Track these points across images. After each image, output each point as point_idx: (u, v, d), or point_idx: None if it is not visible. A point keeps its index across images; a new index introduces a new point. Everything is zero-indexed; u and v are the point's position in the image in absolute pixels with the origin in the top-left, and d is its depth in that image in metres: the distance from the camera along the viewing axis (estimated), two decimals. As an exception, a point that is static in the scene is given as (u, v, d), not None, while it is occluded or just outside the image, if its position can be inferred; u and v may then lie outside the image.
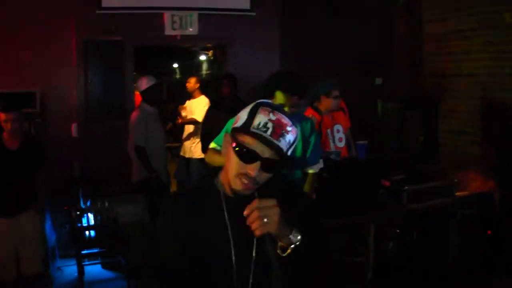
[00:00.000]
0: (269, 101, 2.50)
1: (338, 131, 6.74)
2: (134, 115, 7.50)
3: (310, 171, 5.33)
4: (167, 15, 8.48)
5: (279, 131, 2.30)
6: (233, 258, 2.44)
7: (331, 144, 6.63)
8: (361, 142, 7.11)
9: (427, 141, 6.32)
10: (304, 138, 5.23)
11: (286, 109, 4.95)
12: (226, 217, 2.48)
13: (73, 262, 7.07)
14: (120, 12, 8.23)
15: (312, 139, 5.27)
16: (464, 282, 6.57)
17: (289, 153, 2.38)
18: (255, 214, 2.17)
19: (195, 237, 2.48)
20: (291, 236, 2.25)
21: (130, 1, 8.35)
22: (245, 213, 2.19)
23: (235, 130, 2.40)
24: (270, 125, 2.30)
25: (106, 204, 7.25)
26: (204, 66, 21.03)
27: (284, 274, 2.30)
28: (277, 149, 2.30)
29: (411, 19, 9.68)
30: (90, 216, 7.29)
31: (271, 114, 2.33)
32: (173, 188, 10.56)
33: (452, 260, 6.71)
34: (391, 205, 5.88)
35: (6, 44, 7.80)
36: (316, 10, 9.42)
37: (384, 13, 9.90)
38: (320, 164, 5.34)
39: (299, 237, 2.26)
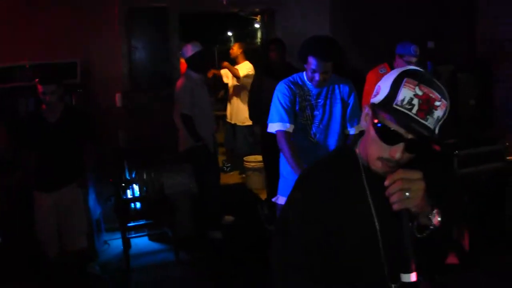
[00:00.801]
0: (417, 68, 2.18)
1: None
2: (180, 82, 7.38)
3: (349, 132, 5.19)
4: (213, -20, 8.32)
5: (426, 107, 2.04)
6: (378, 235, 2.30)
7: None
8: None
9: (480, 105, 6.12)
10: (343, 101, 5.11)
11: (322, 76, 4.89)
12: (367, 190, 2.33)
13: (119, 235, 7.00)
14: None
15: (351, 100, 5.12)
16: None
17: (437, 130, 2.12)
18: (397, 185, 1.99)
19: (332, 210, 2.34)
20: (431, 216, 2.07)
21: (175, -33, 8.18)
22: (386, 183, 2.02)
23: (376, 106, 2.17)
24: (415, 101, 2.04)
25: (152, 175, 7.22)
26: (259, 34, 20.95)
27: (416, 257, 2.04)
28: (425, 128, 2.03)
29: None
30: (136, 187, 7.26)
31: (417, 88, 2.06)
32: (222, 157, 10.52)
33: (507, 226, 6.56)
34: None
35: (45, 12, 7.67)
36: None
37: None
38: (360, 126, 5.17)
39: (439, 219, 2.08)
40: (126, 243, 6.82)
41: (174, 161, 7.57)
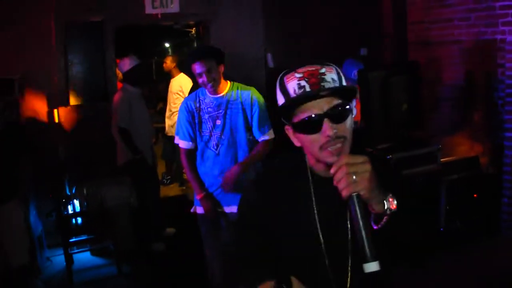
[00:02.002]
0: (288, 69, 2.30)
1: None
2: (117, 96, 7.42)
3: (259, 140, 5.24)
4: (147, -7, 8.35)
5: (314, 80, 2.15)
6: (322, 241, 2.34)
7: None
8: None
9: (412, 109, 6.28)
10: (245, 109, 5.16)
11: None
12: (313, 196, 2.37)
13: (62, 251, 6.99)
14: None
15: (255, 107, 5.14)
16: (454, 247, 6.60)
17: (343, 83, 2.22)
18: (343, 169, 1.95)
19: (279, 216, 2.41)
20: (385, 202, 2.02)
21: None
22: (331, 171, 1.99)
23: (283, 115, 2.28)
24: (303, 82, 2.16)
25: (92, 189, 7.20)
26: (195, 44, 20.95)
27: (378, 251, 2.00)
28: (328, 91, 2.14)
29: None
30: (76, 202, 7.25)
31: (296, 74, 2.19)
32: (161, 169, 10.54)
33: (442, 226, 6.74)
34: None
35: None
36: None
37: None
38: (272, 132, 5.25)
39: (395, 203, 2.03)
40: (69, 259, 6.81)
41: (113, 174, 7.56)
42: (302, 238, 2.38)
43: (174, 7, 8.45)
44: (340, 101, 2.16)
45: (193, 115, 5.15)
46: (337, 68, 2.25)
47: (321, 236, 2.33)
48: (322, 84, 2.14)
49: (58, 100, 7.97)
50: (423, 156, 6.29)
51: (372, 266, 1.94)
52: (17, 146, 6.11)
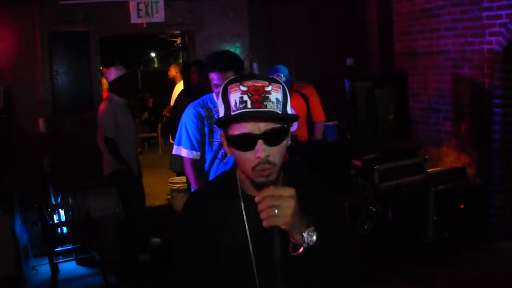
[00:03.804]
0: (236, 76, 2.28)
1: None
2: (102, 106, 7.40)
3: None
4: (132, 3, 8.31)
5: (258, 97, 2.09)
6: (252, 255, 2.30)
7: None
8: (330, 123, 7.08)
9: (399, 120, 6.27)
10: None
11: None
12: (244, 214, 2.31)
13: (47, 261, 6.92)
14: (83, 2, 8.07)
15: None
16: (443, 258, 6.61)
17: (288, 108, 2.19)
18: (266, 202, 1.96)
19: (212, 231, 2.34)
20: (304, 234, 2.03)
21: (93, -10, 8.19)
22: (256, 199, 2.00)
23: (220, 125, 2.25)
24: (246, 97, 2.09)
25: (78, 199, 7.18)
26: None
27: (291, 276, 2.15)
28: (268, 115, 2.10)
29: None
30: (62, 212, 7.22)
31: (241, 86, 2.11)
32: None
33: (430, 237, 6.75)
34: (363, 185, 5.83)
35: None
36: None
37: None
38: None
39: (314, 237, 2.04)
40: (54, 269, 6.76)
41: (99, 184, 7.55)
42: (235, 256, 2.33)
43: (159, 17, 8.45)
44: (278, 125, 2.13)
45: (203, 123, 5.00)
46: (285, 87, 2.20)
47: (252, 255, 2.30)
48: (265, 103, 2.09)
49: (43, 110, 7.93)
50: (410, 167, 6.29)
51: None
52: (2, 156, 6.07)
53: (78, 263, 7.54)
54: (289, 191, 1.98)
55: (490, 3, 7.02)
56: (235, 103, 2.10)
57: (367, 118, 6.02)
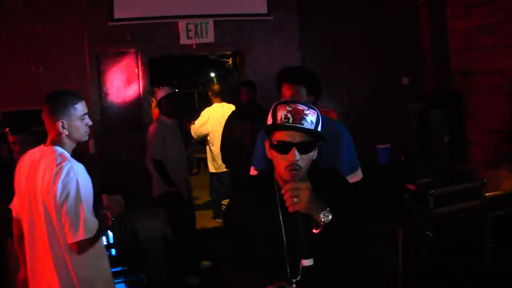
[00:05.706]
0: (285, 100, 3.17)
1: None
2: (152, 128, 7.40)
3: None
4: (181, 24, 8.35)
5: (298, 116, 2.79)
6: (284, 240, 2.99)
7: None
8: (383, 146, 6.88)
9: (454, 141, 6.07)
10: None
11: None
12: (279, 205, 2.98)
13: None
14: (133, 23, 8.07)
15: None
16: (500, 287, 6.38)
17: (318, 129, 2.86)
18: (288, 193, 2.69)
19: (253, 218, 3.05)
20: (321, 215, 2.71)
21: (142, 11, 8.23)
22: (282, 191, 2.73)
23: (266, 132, 2.93)
24: (289, 115, 2.80)
25: (126, 221, 7.11)
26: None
27: (315, 250, 2.72)
28: (303, 129, 2.79)
29: (434, 16, 9.42)
30: (110, 234, 7.16)
31: (287, 107, 2.83)
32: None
33: (487, 265, 6.51)
34: (417, 211, 5.63)
35: (18, 60, 7.70)
36: (336, 10, 9.22)
37: (405, 10, 9.64)
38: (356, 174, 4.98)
39: (330, 217, 2.72)
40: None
41: (148, 206, 7.50)
42: (271, 237, 3.02)
43: (209, 38, 8.42)
44: (310, 139, 2.84)
45: None
46: (319, 114, 2.91)
47: (284, 234, 3.00)
48: (302, 122, 2.80)
49: (92, 130, 7.88)
50: (466, 191, 6.04)
51: (307, 261, 2.71)
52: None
53: (126, 285, 7.46)
54: (305, 185, 2.73)
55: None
56: (281, 117, 2.82)
57: (421, 140, 5.85)
